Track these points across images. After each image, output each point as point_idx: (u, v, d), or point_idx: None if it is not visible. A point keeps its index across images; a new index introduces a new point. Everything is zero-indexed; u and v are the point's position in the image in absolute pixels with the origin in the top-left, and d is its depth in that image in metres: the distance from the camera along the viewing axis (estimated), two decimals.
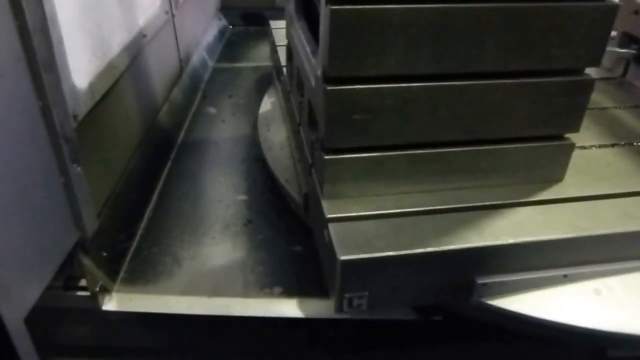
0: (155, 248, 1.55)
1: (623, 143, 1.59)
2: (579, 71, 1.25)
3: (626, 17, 2.01)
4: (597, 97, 1.88)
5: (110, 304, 1.39)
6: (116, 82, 1.53)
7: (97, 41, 1.43)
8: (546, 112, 1.27)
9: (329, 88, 1.14)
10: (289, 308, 1.39)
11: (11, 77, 1.02)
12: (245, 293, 1.42)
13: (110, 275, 1.42)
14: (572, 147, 1.34)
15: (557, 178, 1.38)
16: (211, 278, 1.47)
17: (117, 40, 1.59)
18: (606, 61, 2.13)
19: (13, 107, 1.03)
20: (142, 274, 1.47)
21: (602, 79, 2.05)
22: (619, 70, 2.07)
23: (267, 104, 2.11)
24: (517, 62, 1.19)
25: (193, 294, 1.42)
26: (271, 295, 1.42)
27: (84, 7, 1.36)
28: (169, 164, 1.90)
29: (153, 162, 1.83)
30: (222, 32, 3.01)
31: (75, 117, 1.26)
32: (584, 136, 1.56)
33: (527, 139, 1.31)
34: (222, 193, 1.78)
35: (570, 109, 1.28)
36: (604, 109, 1.81)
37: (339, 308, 1.20)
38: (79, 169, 1.24)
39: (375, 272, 1.17)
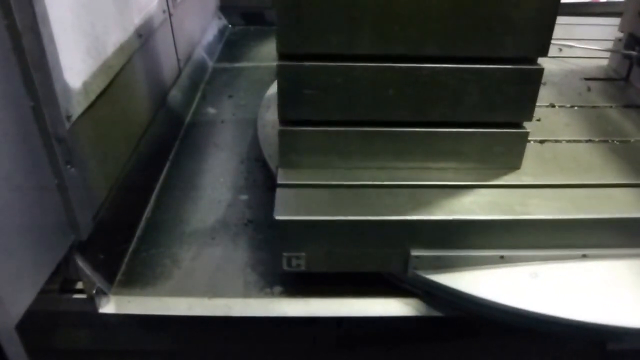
0: (154, 249, 1.53)
1: (598, 140, 1.59)
2: (531, 60, 1.29)
3: (632, 18, 1.99)
4: (593, 96, 1.90)
5: (108, 307, 1.37)
6: (112, 82, 1.51)
7: (90, 40, 1.41)
8: (496, 99, 1.31)
9: (279, 63, 1.25)
10: (290, 307, 1.37)
11: (0, 77, 1.00)
12: (246, 293, 1.40)
13: (107, 278, 1.40)
14: (526, 135, 1.38)
15: (514, 166, 1.42)
16: (211, 279, 1.45)
17: (112, 40, 1.57)
18: (612, 62, 2.13)
19: (3, 107, 1.01)
20: (140, 276, 1.45)
21: (604, 79, 2.06)
22: (624, 72, 2.06)
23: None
24: (463, 48, 1.24)
25: (192, 295, 1.40)
26: (272, 295, 1.40)
27: (77, 6, 1.34)
28: (167, 165, 1.88)
29: (151, 163, 1.81)
30: (221, 32, 2.99)
31: (68, 117, 1.24)
32: (563, 131, 1.65)
33: (479, 124, 1.35)
34: (222, 193, 1.76)
35: (520, 97, 1.32)
36: (595, 107, 1.83)
37: (281, 266, 1.31)
38: (73, 170, 1.22)
39: (311, 234, 1.27)
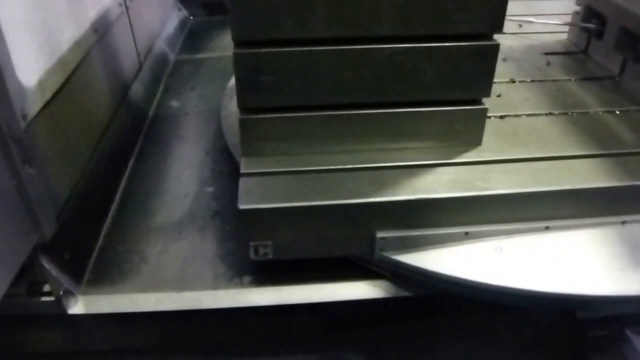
0: (121, 246, 1.52)
1: (557, 112, 1.61)
2: (486, 36, 1.29)
3: None
4: (553, 70, 1.92)
5: (77, 307, 1.35)
6: (69, 79, 1.48)
7: (43, 37, 1.38)
8: (454, 77, 1.32)
9: (235, 51, 1.24)
10: (260, 297, 1.37)
11: None
12: (215, 285, 1.40)
13: (74, 278, 1.38)
14: (484, 111, 1.39)
15: (475, 142, 1.43)
16: (180, 272, 1.44)
17: (67, 36, 1.54)
18: (571, 36, 2.15)
19: None
20: (108, 274, 1.44)
21: (563, 53, 2.08)
22: (583, 45, 2.08)
23: None
24: (417, 27, 1.24)
25: (162, 290, 1.39)
26: (241, 285, 1.40)
27: (27, 3, 1.32)
28: (132, 160, 1.86)
29: (115, 159, 1.79)
30: (182, 23, 2.95)
31: (24, 116, 1.22)
32: (523, 105, 1.67)
33: (438, 102, 1.36)
34: (188, 186, 1.74)
35: (477, 74, 1.33)
36: (554, 81, 1.85)
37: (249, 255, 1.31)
38: (32, 170, 1.20)
39: (277, 222, 1.28)
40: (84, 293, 1.38)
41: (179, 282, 1.41)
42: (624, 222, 1.37)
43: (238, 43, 1.25)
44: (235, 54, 1.25)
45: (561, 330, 1.54)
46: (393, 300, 1.37)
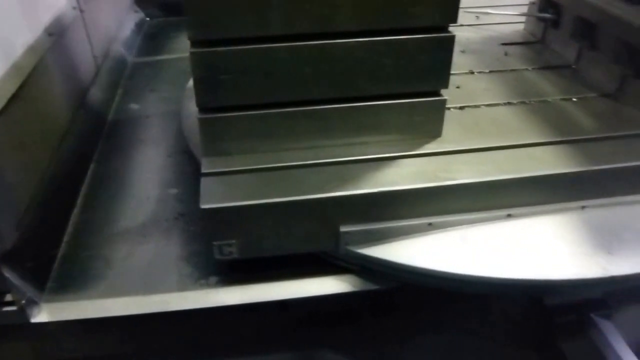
0: (85, 252, 1.49)
1: (516, 102, 1.64)
2: (442, 28, 1.30)
3: None
4: (511, 60, 1.95)
5: (40, 316, 1.32)
6: (24, 84, 1.45)
7: None
8: (412, 70, 1.32)
9: (191, 51, 1.23)
10: (227, 296, 1.36)
11: None
12: (181, 287, 1.39)
13: (37, 286, 1.35)
14: (443, 103, 1.40)
15: (436, 134, 1.44)
16: (145, 276, 1.42)
17: (20, 41, 1.51)
18: (528, 26, 2.18)
19: None
20: (72, 281, 1.41)
21: (521, 43, 2.11)
22: (540, 34, 2.12)
23: None
24: (374, 22, 1.25)
25: (128, 294, 1.37)
26: (208, 286, 1.38)
27: None
28: (92, 165, 1.83)
29: (75, 164, 1.76)
30: (139, 25, 2.91)
31: None
32: (482, 96, 1.69)
33: (398, 95, 1.36)
34: (150, 189, 1.72)
35: (434, 65, 1.33)
36: (513, 70, 1.88)
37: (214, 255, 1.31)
38: None
39: (240, 220, 1.27)
40: (48, 301, 1.36)
41: (145, 286, 1.39)
42: (583, 207, 1.40)
43: (195, 42, 1.24)
44: (192, 54, 1.23)
45: (530, 317, 1.56)
46: (364, 294, 1.38)
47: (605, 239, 1.33)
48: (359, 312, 1.50)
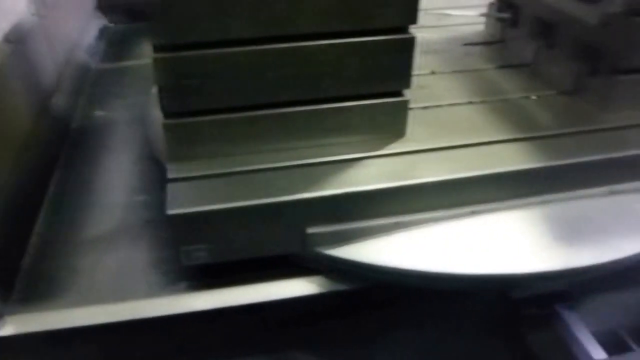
0: (50, 263, 1.47)
1: (478, 101, 1.67)
2: (403, 29, 1.32)
3: None
4: (472, 60, 1.98)
5: (5, 329, 1.30)
6: None
7: None
8: (374, 71, 1.34)
9: (155, 56, 1.23)
10: (196, 302, 1.35)
11: None
12: (150, 293, 1.38)
13: (1, 299, 1.33)
14: (406, 103, 1.42)
15: (399, 134, 1.46)
16: (114, 284, 1.41)
17: None
18: (488, 26, 2.22)
19: None
20: (38, 292, 1.39)
21: (482, 43, 2.14)
22: (499, 34, 2.15)
23: None
24: (335, 24, 1.26)
25: (96, 303, 1.36)
26: (177, 292, 1.38)
27: None
28: (57, 173, 1.81)
29: (38, 173, 1.73)
30: (102, 32, 2.88)
31: None
32: (445, 96, 1.72)
33: (361, 96, 1.38)
34: (117, 196, 1.71)
35: (396, 66, 1.36)
36: (474, 70, 1.91)
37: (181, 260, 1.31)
38: None
39: (207, 225, 1.27)
40: (12, 313, 1.33)
41: (114, 294, 1.37)
42: (544, 202, 1.43)
43: (158, 47, 1.24)
44: (155, 59, 1.23)
45: (497, 310, 1.59)
46: (334, 295, 1.38)
47: (567, 232, 1.36)
48: (330, 313, 1.51)
